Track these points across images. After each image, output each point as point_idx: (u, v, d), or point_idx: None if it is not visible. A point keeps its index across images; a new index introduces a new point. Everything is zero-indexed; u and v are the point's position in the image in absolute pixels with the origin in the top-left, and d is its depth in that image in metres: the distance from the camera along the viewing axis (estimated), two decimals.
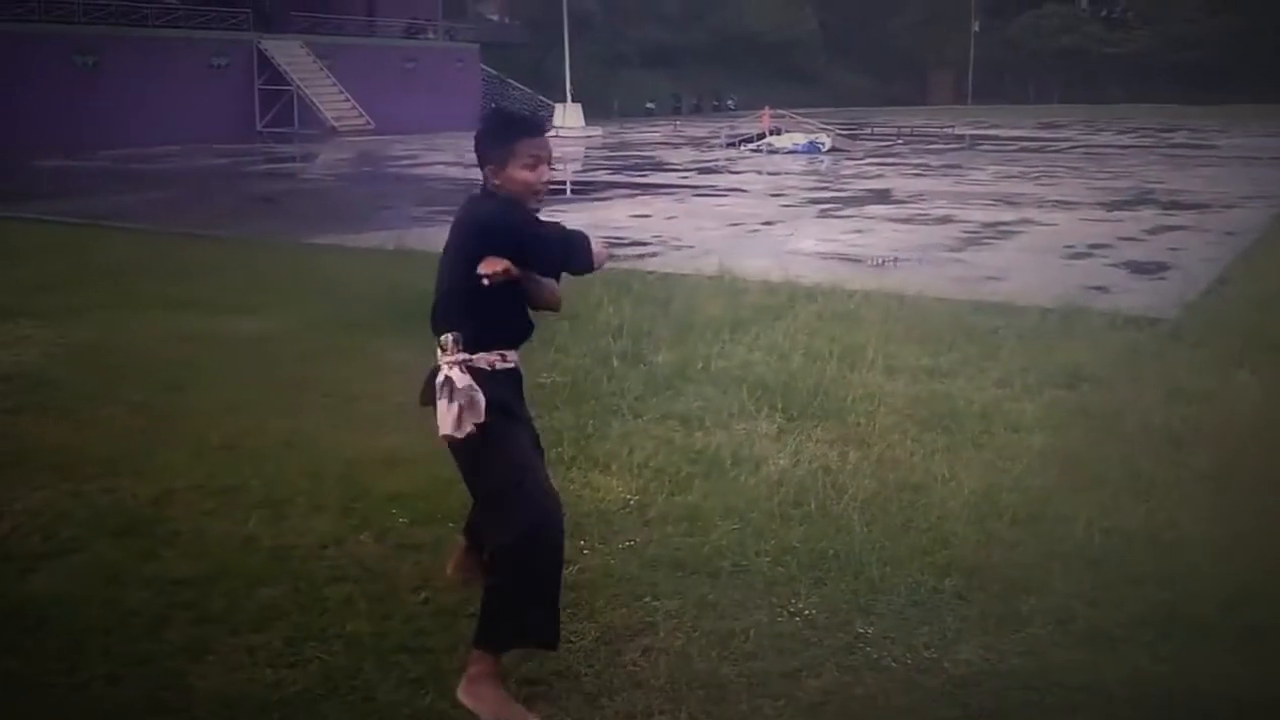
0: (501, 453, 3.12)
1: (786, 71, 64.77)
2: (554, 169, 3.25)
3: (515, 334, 3.24)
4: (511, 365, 3.21)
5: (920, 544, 4.08)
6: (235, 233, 12.66)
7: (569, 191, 18.34)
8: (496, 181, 3.12)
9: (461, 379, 3.06)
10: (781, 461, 4.98)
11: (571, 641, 3.43)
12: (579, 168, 23.14)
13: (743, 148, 27.56)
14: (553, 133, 32.56)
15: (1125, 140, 28.98)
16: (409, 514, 4.39)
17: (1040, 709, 3.04)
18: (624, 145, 28.35)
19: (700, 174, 20.23)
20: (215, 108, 31.86)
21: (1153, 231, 12.14)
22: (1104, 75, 67.99)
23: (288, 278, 9.62)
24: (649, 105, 54.43)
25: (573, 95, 34.76)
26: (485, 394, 3.07)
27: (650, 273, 9.93)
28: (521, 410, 3.29)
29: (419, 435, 5.33)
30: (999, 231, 12.31)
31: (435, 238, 12.69)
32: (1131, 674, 3.22)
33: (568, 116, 34.23)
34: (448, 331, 3.11)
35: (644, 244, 11.68)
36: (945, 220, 13.36)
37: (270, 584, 3.78)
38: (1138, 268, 9.90)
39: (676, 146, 27.90)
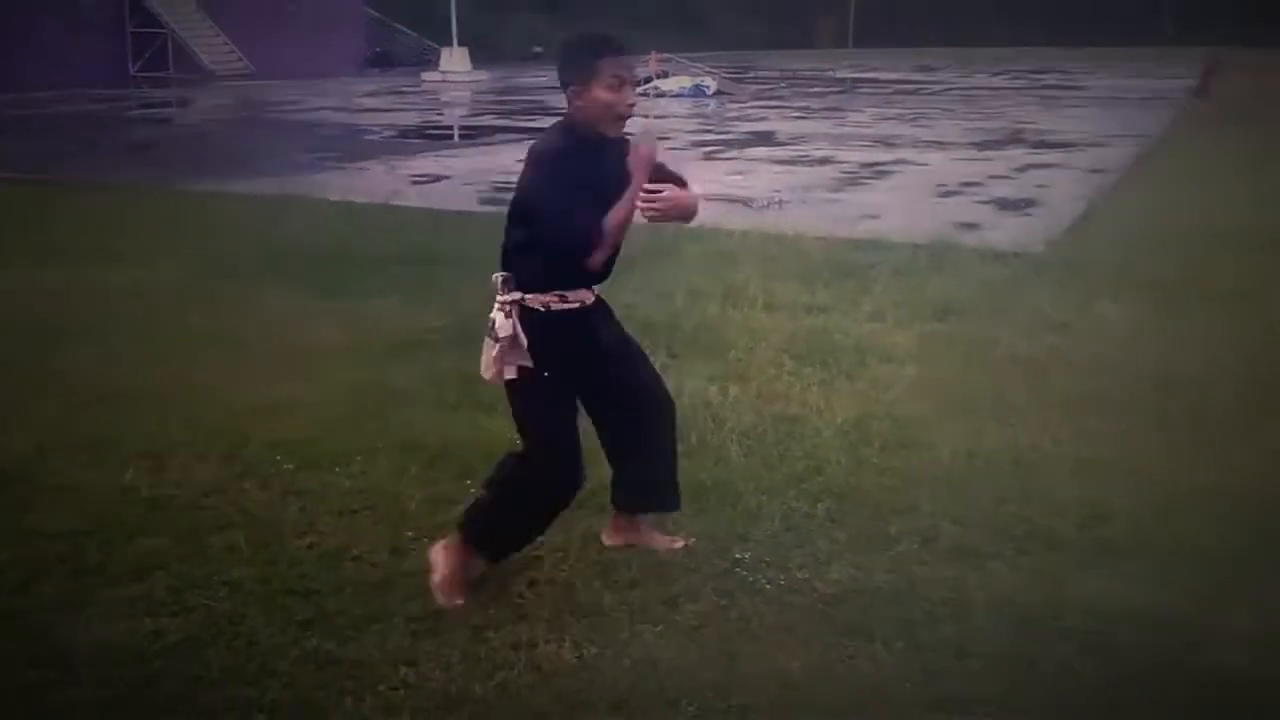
0: (532, 392, 3.15)
1: (675, 15, 64.33)
2: (636, 91, 3.15)
3: (574, 273, 3.12)
4: (574, 305, 3.13)
5: (795, 472, 4.18)
6: (107, 180, 12.17)
7: (456, 136, 18.05)
8: (579, 103, 3.04)
9: (504, 323, 3.06)
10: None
11: None
12: (466, 112, 22.76)
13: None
14: (438, 77, 31.95)
15: (998, 82, 29.57)
16: (294, 460, 4.33)
17: (906, 622, 3.16)
18: (512, 90, 27.91)
19: None
20: (85, 52, 30.41)
21: (1021, 170, 12.46)
22: (979, 19, 69.09)
23: (165, 226, 9.31)
24: (536, 49, 53.56)
25: (459, 39, 34.04)
26: (533, 340, 3.07)
27: None
28: (586, 352, 3.21)
29: (304, 382, 5.27)
30: (876, 172, 12.51)
31: (323, 184, 12.45)
32: (993, 587, 3.36)
33: (454, 60, 33.54)
34: (508, 270, 3.10)
35: None
36: (825, 161, 13.51)
37: (150, 534, 3.70)
38: (1006, 205, 10.17)
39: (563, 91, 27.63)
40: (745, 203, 10.42)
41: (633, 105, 3.06)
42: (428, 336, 6.01)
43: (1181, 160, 12.79)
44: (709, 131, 18.03)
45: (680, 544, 3.62)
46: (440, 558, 3.30)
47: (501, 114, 21.06)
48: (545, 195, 3.04)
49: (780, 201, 10.47)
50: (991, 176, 11.93)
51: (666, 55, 30.49)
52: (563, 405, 3.23)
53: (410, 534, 3.73)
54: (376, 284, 7.13)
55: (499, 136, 16.91)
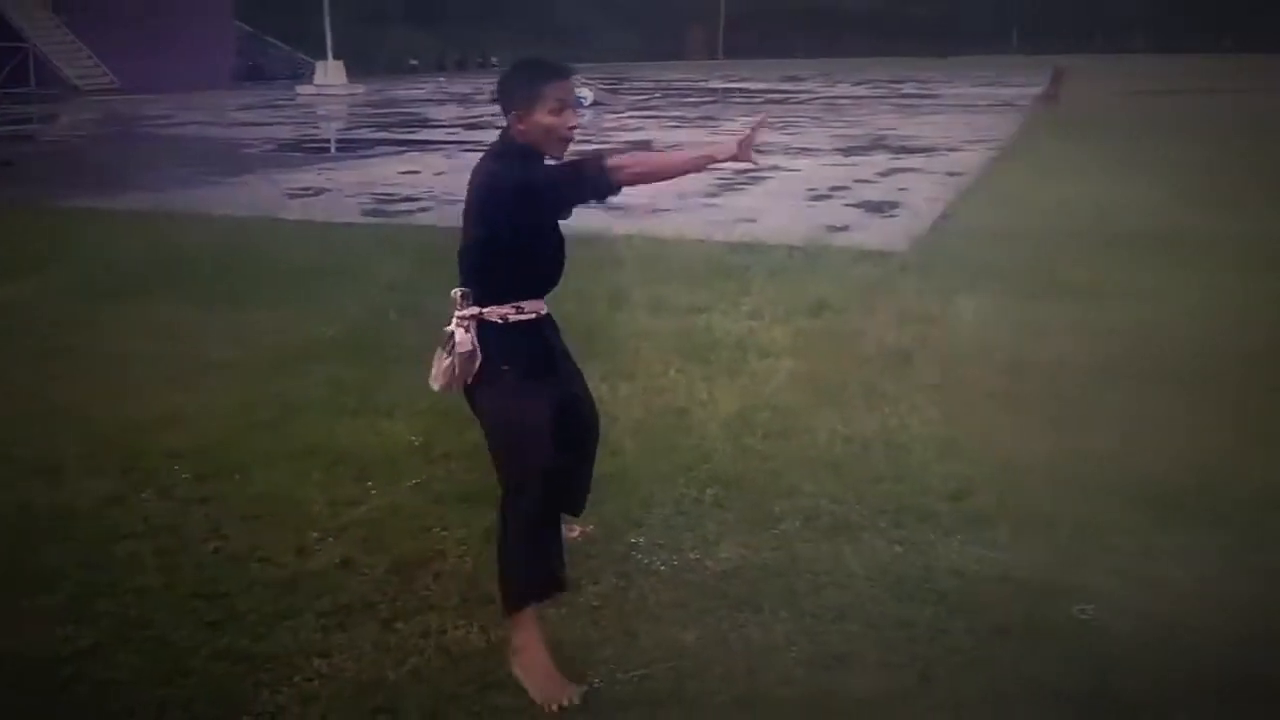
0: (503, 406, 3.08)
1: (549, 28, 64.38)
2: (580, 115, 3.12)
3: (530, 285, 3.13)
4: (530, 316, 3.11)
5: (684, 461, 4.35)
6: None
7: (333, 149, 17.85)
8: (521, 127, 3.01)
9: (464, 338, 3.04)
10: None
11: (364, 573, 3.53)
12: (344, 125, 22.48)
13: None
14: (313, 90, 31.43)
15: (860, 91, 30.46)
16: (193, 470, 4.32)
17: (790, 592, 3.35)
18: (389, 102, 27.64)
19: (467, 130, 20.01)
20: None
21: (885, 174, 12.93)
22: (842, 30, 70.88)
23: (37, 244, 9.03)
24: (412, 62, 53.04)
25: (333, 52, 33.54)
26: (494, 349, 3.04)
27: (424, 227, 9.89)
28: (544, 357, 3.18)
29: (198, 394, 5.24)
30: (750, 178, 12.82)
31: (202, 198, 12.20)
32: (870, 557, 3.57)
33: (329, 74, 33.02)
34: (465, 285, 3.07)
35: (416, 199, 11.57)
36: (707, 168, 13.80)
37: (52, 545, 3.68)
38: (872, 207, 10.56)
39: (442, 103, 27.43)
40: (632, 208, 10.60)
41: (574, 128, 3.04)
42: (320, 346, 6.01)
43: (1030, 163, 13.44)
44: (588, 141, 18.19)
45: (577, 532, 3.72)
46: (524, 664, 2.97)
47: (380, 127, 20.86)
48: (538, 178, 3.02)
49: (656, 206, 10.67)
50: (857, 180, 12.36)
51: None
52: (541, 400, 3.12)
53: (315, 535, 3.78)
54: (265, 296, 7.08)
55: (379, 149, 16.78)
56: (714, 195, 11.55)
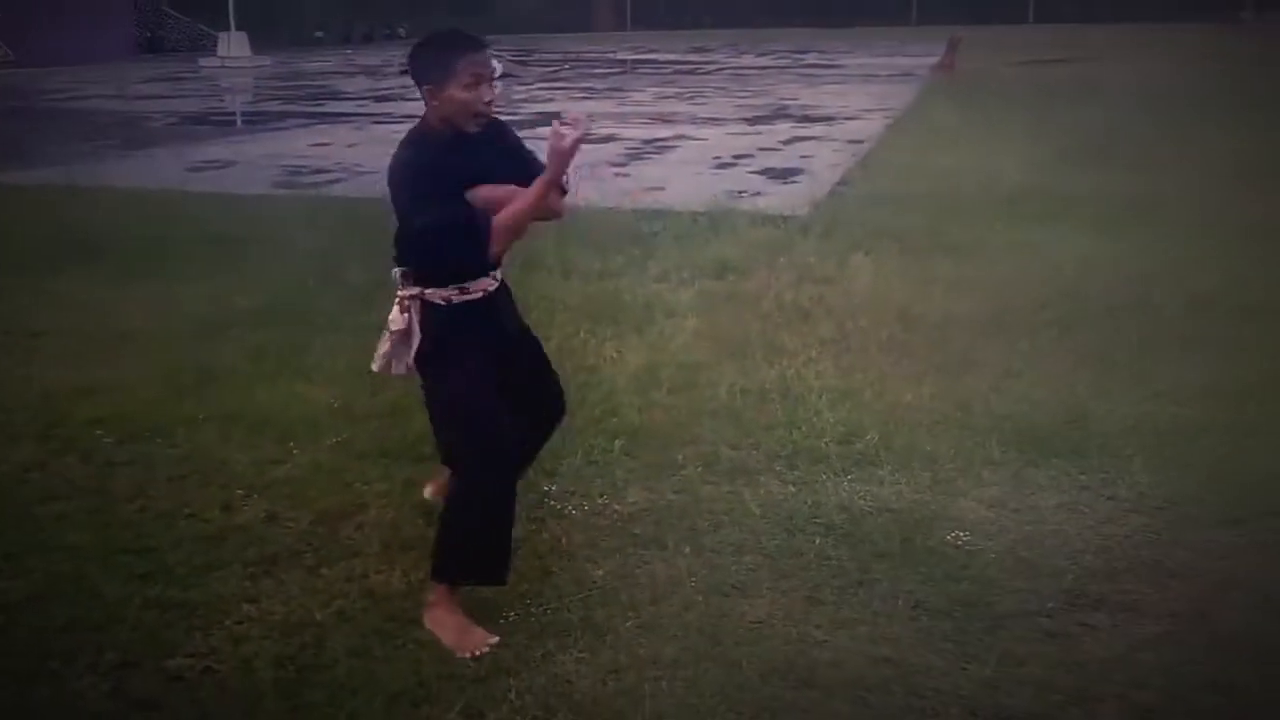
0: (451, 389, 3.03)
1: None
2: (495, 88, 2.97)
3: (468, 266, 3.00)
4: (475, 296, 3.01)
5: (594, 415, 4.53)
6: None
7: (240, 122, 17.55)
8: (435, 103, 2.90)
9: (397, 317, 2.99)
10: None
11: (289, 526, 3.66)
12: (250, 98, 22.05)
13: None
14: (217, 62, 30.68)
15: (765, 61, 30.71)
16: (114, 435, 4.39)
17: (692, 530, 3.57)
18: (296, 75, 27.12)
19: (376, 102, 19.79)
20: None
21: (787, 142, 13.19)
22: (749, 2, 71.20)
23: None
24: (318, 34, 51.97)
25: (236, 23, 32.75)
26: (441, 332, 2.98)
27: (336, 198, 9.88)
28: (495, 336, 3.09)
29: (118, 364, 5.28)
30: (657, 147, 13.00)
31: (105, 173, 11.93)
32: (766, 497, 3.81)
33: (233, 46, 32.24)
34: (404, 265, 3.00)
35: (327, 171, 11.51)
36: (610, 139, 13.90)
37: None
38: (775, 174, 10.81)
39: (350, 75, 27.00)
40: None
41: (490, 102, 2.92)
42: (238, 315, 6.06)
43: (925, 129, 13.80)
44: (497, 113, 18.15)
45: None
46: (436, 619, 3.03)
47: (288, 100, 20.51)
48: (425, 212, 2.91)
49: (566, 175, 10.80)
50: (761, 149, 12.60)
51: None
52: (487, 384, 3.05)
53: (240, 492, 3.90)
54: (180, 268, 7.07)
55: (288, 122, 16.56)
56: (623, 165, 11.70)
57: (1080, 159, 10.77)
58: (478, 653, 2.92)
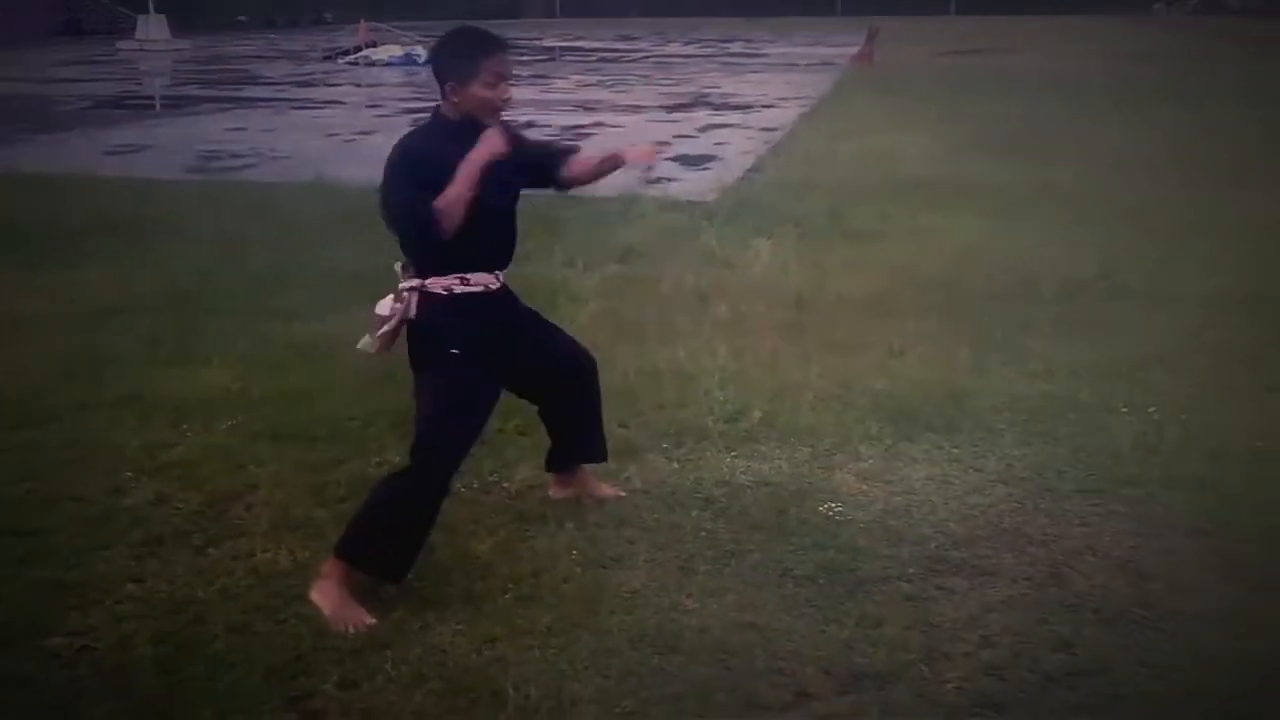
0: (442, 384, 3.07)
1: None
2: (514, 85, 3.10)
3: (472, 258, 3.07)
4: (476, 289, 3.07)
5: None
6: None
7: (158, 106, 17.21)
8: (455, 99, 2.98)
9: (384, 303, 3.08)
10: None
11: (178, 507, 3.67)
12: (167, 82, 21.61)
13: (340, 61, 26.74)
14: (135, 45, 29.97)
15: (690, 50, 30.82)
16: (2, 421, 4.35)
17: (576, 506, 3.64)
18: (215, 59, 26.62)
19: (297, 87, 19.55)
20: None
21: (704, 130, 13.31)
22: None
23: None
24: (241, 18, 50.95)
25: (155, 6, 31.98)
26: (441, 323, 3.03)
27: (248, 183, 9.79)
28: (499, 333, 3.15)
29: (10, 351, 5.22)
30: (576, 134, 13.02)
31: (13, 157, 11.66)
32: (650, 474, 3.90)
33: (152, 28, 31.51)
34: (408, 258, 3.06)
35: (240, 156, 11.38)
36: (528, 126, 13.90)
37: None
38: (688, 161, 10.92)
39: (271, 60, 26.58)
40: None
41: (508, 99, 3.01)
42: (138, 300, 6.00)
43: (839, 118, 14.01)
44: (421, 99, 18.05)
45: (621, 493, 3.70)
46: (324, 591, 3.06)
47: (206, 84, 20.14)
48: (396, 197, 3.00)
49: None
50: (678, 136, 12.70)
51: (376, 24, 29.95)
52: (479, 396, 3.13)
53: (130, 475, 3.89)
54: (82, 254, 6.97)
55: (205, 106, 16.29)
56: None
57: (983, 148, 11.03)
58: (352, 629, 2.95)
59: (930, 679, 2.74)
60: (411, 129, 3.14)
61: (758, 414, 4.36)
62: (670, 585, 3.18)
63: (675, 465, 3.97)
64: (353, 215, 8.12)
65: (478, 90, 2.97)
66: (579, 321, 5.55)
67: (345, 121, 14.81)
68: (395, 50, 26.72)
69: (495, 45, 3.01)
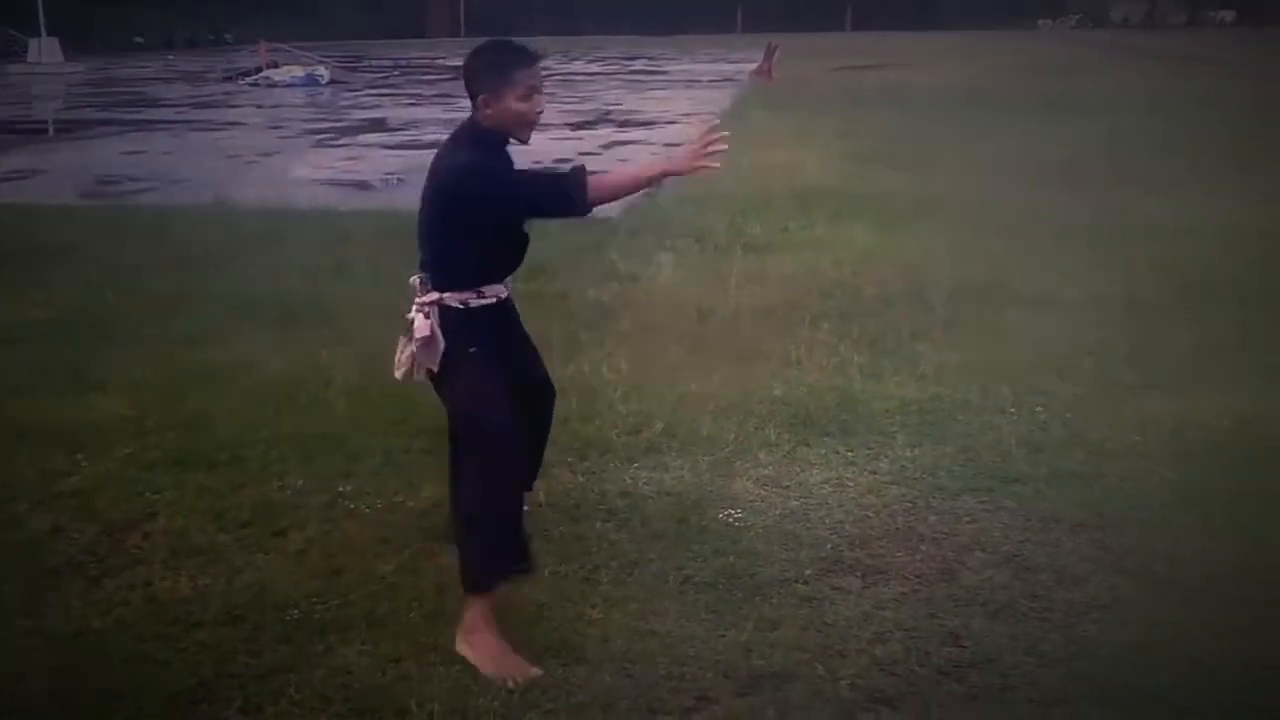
0: (468, 385, 3.00)
1: (285, 3, 61.79)
2: (546, 99, 3.04)
3: (490, 271, 3.06)
4: (489, 300, 3.03)
5: (395, 416, 4.55)
6: None
7: (51, 131, 16.70)
8: (489, 111, 2.92)
9: (422, 324, 2.95)
10: (277, 365, 5.24)
11: (74, 538, 3.57)
12: (61, 105, 20.99)
13: (240, 82, 26.29)
14: (26, 69, 29.07)
15: (595, 68, 31.05)
16: None
17: None
18: (111, 81, 25.98)
19: (196, 109, 19.19)
20: None
21: (607, 146, 13.40)
22: (580, 9, 71.64)
23: None
24: (138, 39, 49.79)
25: (48, 29, 31.05)
26: (457, 333, 2.96)
27: (146, 207, 9.56)
28: (504, 341, 3.12)
29: None
30: None
31: None
32: (555, 487, 3.88)
33: (44, 52, 30.61)
34: (424, 272, 2.98)
35: (138, 180, 11.11)
36: (434, 145, 13.80)
37: None
38: None
39: (170, 82, 26.04)
40: (369, 184, 10.60)
41: (541, 113, 2.98)
42: (30, 328, 5.82)
43: (739, 133, 14.15)
44: (323, 120, 17.86)
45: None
46: (477, 645, 2.90)
47: (102, 107, 19.63)
48: (519, 177, 3.00)
49: (400, 179, 10.74)
50: (581, 153, 12.74)
51: (277, 45, 29.52)
52: (502, 378, 3.06)
53: (24, 507, 3.78)
54: None
55: (100, 130, 15.86)
56: None
57: (878, 160, 11.30)
58: (513, 683, 2.76)
59: (825, 677, 2.80)
60: (457, 136, 3.05)
61: (659, 425, 4.40)
62: (574, 597, 3.19)
63: (580, 478, 3.98)
64: (254, 238, 8.01)
65: (512, 103, 2.92)
66: None
67: (246, 143, 14.57)
68: (297, 71, 26.40)
69: (530, 58, 2.97)
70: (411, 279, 3.02)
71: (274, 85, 25.32)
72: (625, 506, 3.74)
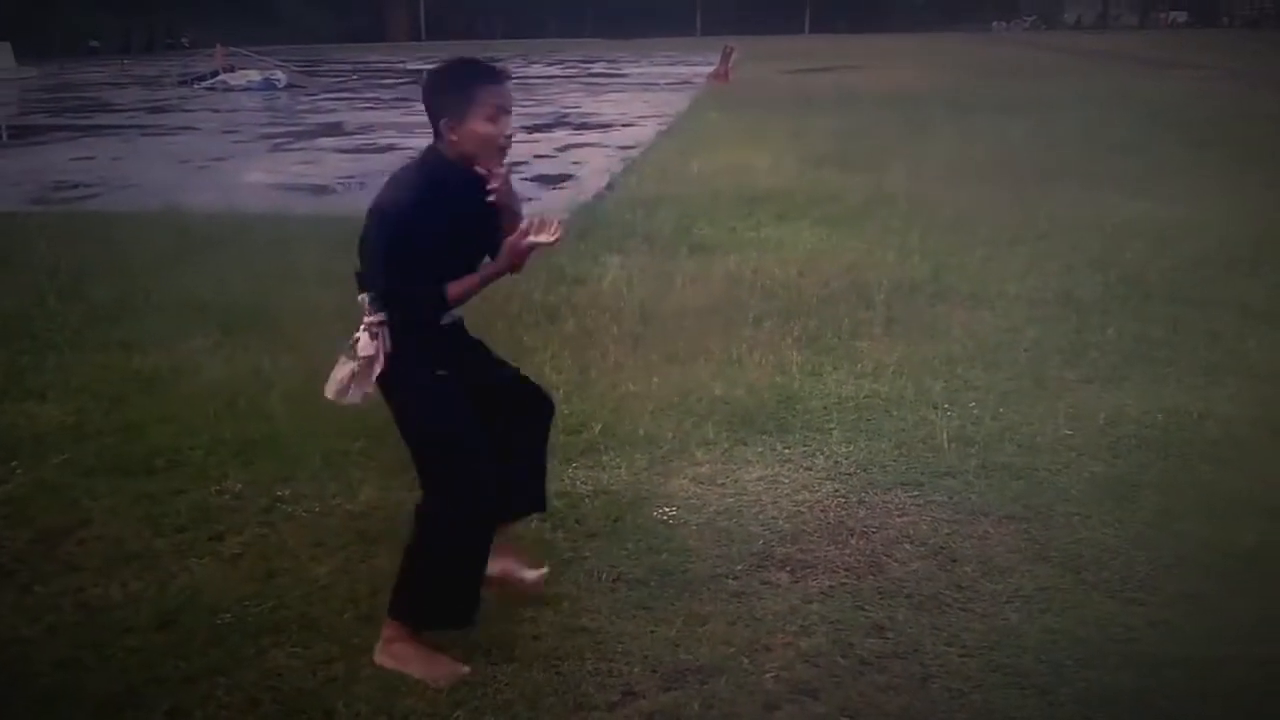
0: (428, 412, 2.81)
1: (244, 7, 61.24)
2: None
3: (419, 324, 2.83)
4: (449, 321, 2.85)
5: (336, 419, 4.46)
6: None
7: (4, 136, 16.46)
8: (454, 137, 2.67)
9: (367, 344, 2.75)
10: (219, 370, 5.22)
11: (5, 545, 3.54)
12: (13, 111, 20.69)
13: (196, 86, 26.03)
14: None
15: (554, 71, 31.02)
16: None
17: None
18: (64, 87, 25.64)
19: (150, 114, 18.97)
20: None
21: (563, 149, 13.40)
22: (540, 12, 71.55)
23: None
24: (93, 44, 49.16)
25: None
26: (406, 353, 2.76)
27: (93, 213, 9.46)
28: (460, 361, 2.89)
29: None
30: None
31: None
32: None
33: None
34: (366, 292, 2.77)
35: (87, 185, 10.98)
36: (389, 149, 13.79)
37: None
38: (546, 180, 10.98)
39: (124, 87, 25.74)
40: (323, 189, 10.54)
41: (511, 136, 2.75)
42: None
43: (693, 135, 14.28)
44: (279, 124, 17.73)
45: (542, 575, 3.17)
46: (396, 654, 2.85)
47: (53, 112, 19.38)
48: (392, 269, 2.72)
49: (359, 183, 10.71)
50: (537, 156, 12.75)
51: (234, 49, 29.26)
52: (464, 405, 2.84)
53: None
54: None
55: (50, 135, 15.66)
56: None
57: (827, 161, 11.39)
58: (446, 683, 2.75)
59: (751, 670, 2.83)
60: (406, 167, 2.82)
61: (599, 425, 4.42)
62: (507, 596, 3.20)
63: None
64: (202, 243, 7.94)
65: (477, 126, 2.67)
66: None
67: (199, 148, 14.44)
68: (254, 75, 26.18)
69: (494, 75, 2.73)
70: (360, 296, 2.82)
71: (230, 89, 25.09)
72: (562, 506, 3.75)
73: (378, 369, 2.78)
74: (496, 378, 3.05)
